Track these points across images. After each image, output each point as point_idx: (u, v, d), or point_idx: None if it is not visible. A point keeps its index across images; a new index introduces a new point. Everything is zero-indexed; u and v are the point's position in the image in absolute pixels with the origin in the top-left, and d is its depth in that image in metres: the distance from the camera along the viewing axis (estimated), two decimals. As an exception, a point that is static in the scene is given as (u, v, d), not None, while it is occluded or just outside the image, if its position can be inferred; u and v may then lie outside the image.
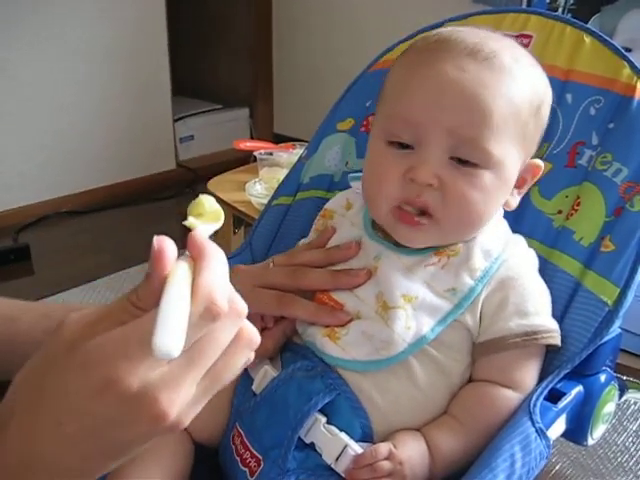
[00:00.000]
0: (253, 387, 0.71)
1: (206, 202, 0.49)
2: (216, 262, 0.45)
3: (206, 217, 0.48)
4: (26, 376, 0.46)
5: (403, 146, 0.67)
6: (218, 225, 0.48)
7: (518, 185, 0.72)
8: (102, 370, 0.42)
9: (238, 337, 0.45)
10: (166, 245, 0.43)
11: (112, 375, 0.41)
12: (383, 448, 0.63)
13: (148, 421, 0.42)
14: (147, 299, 0.43)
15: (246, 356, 0.47)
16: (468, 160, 0.65)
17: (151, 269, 0.43)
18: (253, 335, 0.47)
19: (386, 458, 0.63)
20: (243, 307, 0.46)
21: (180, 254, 0.44)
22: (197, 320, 0.42)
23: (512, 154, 0.67)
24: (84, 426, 0.43)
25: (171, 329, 0.40)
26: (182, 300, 0.41)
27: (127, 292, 0.45)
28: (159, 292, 0.42)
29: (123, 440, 0.44)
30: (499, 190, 0.68)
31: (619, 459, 1.37)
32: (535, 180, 0.74)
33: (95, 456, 0.45)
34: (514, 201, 0.73)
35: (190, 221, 0.47)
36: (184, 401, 0.43)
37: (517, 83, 0.66)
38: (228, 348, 0.45)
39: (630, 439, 1.42)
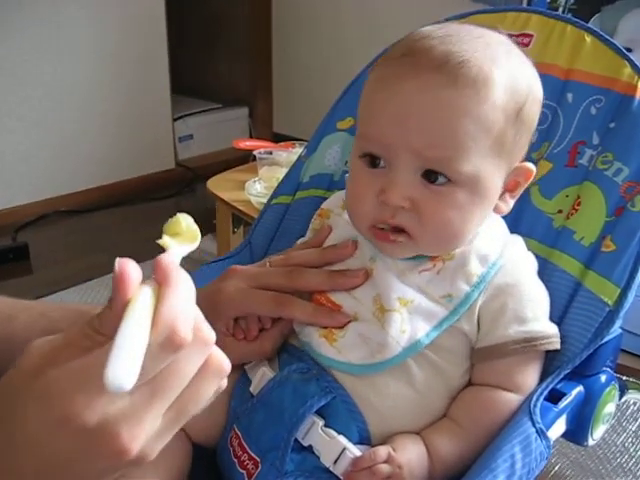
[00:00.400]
0: (250, 388, 0.70)
1: (183, 221, 0.47)
2: (182, 288, 0.42)
3: (182, 237, 0.46)
4: None
5: (375, 164, 0.66)
6: (193, 247, 0.46)
7: (510, 189, 0.70)
8: (59, 404, 0.40)
9: (206, 366, 0.43)
10: (129, 268, 0.41)
11: (69, 410, 0.40)
12: (382, 451, 0.63)
13: (109, 456, 0.41)
14: (109, 325, 0.41)
15: (216, 385, 0.45)
16: (440, 175, 0.63)
17: (113, 293, 0.41)
18: (222, 363, 0.45)
19: (385, 461, 0.62)
20: (210, 335, 0.43)
21: (148, 277, 0.43)
22: (158, 350, 0.40)
23: (487, 167, 0.64)
24: (41, 462, 0.41)
25: (124, 361, 0.38)
26: (140, 329, 0.39)
27: (89, 318, 0.43)
28: (120, 318, 0.40)
29: (85, 475, 0.42)
30: (476, 205, 0.65)
31: (619, 460, 1.37)
32: (529, 182, 0.71)
33: None
34: (505, 206, 0.70)
35: (164, 240, 0.45)
36: (148, 435, 0.41)
37: (487, 95, 0.63)
38: (195, 378, 0.43)
39: (630, 439, 1.42)
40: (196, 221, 0.50)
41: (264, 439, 0.67)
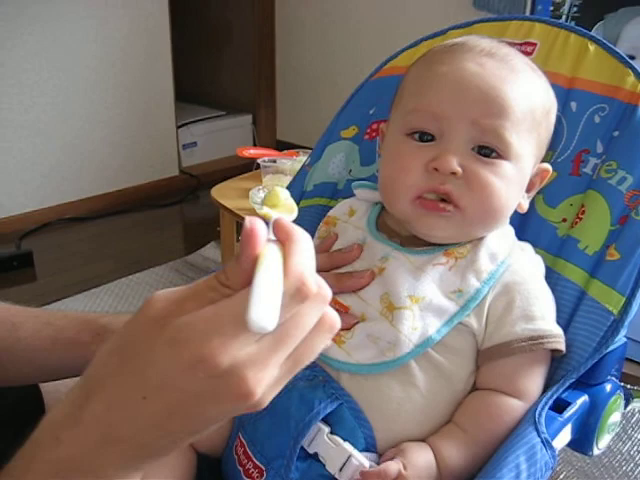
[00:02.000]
0: (256, 396, 0.70)
1: (281, 194, 0.49)
2: (305, 245, 0.45)
3: (280, 208, 0.48)
4: (110, 350, 0.47)
5: (424, 139, 0.69)
6: (293, 216, 0.48)
7: (527, 189, 0.74)
8: (194, 346, 0.42)
9: (321, 321, 0.46)
10: (258, 226, 0.43)
11: (204, 351, 0.42)
12: (392, 469, 0.62)
13: (233, 399, 0.43)
14: (236, 279, 0.44)
15: (326, 340, 0.47)
16: (490, 149, 0.67)
17: (242, 249, 0.43)
18: (335, 321, 0.47)
19: (395, 479, 0.62)
20: (328, 292, 0.46)
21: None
22: (288, 300, 0.43)
23: (528, 150, 0.69)
24: (168, 402, 0.43)
25: (266, 304, 0.41)
26: (275, 278, 0.42)
27: (215, 272, 0.46)
28: (249, 272, 0.42)
29: (204, 417, 0.45)
30: (518, 183, 0.70)
31: (624, 468, 1.36)
32: (543, 184, 0.75)
33: (174, 433, 0.45)
34: (525, 204, 0.75)
35: (265, 210, 0.47)
36: (268, 381, 0.44)
37: (532, 83, 0.70)
38: (311, 331, 0.45)
39: (635, 447, 1.41)
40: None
41: (269, 447, 0.67)
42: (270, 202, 0.48)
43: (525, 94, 0.69)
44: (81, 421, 0.45)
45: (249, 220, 0.43)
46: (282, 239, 0.45)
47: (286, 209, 0.48)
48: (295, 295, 0.43)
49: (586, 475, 1.33)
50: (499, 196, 0.68)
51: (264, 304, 0.41)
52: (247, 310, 0.40)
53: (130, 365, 0.44)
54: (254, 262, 0.42)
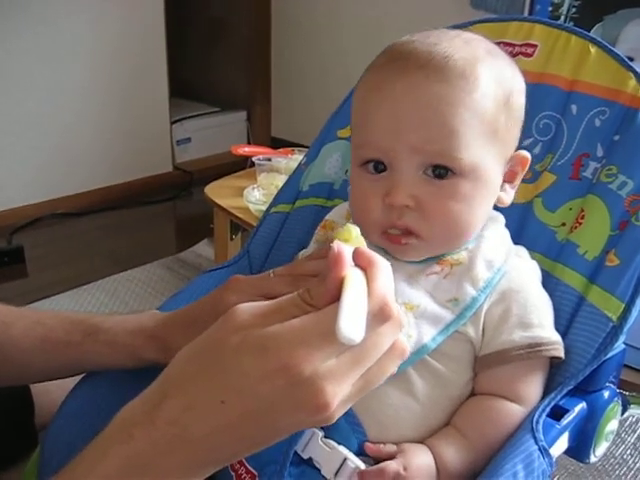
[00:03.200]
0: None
1: (353, 231, 0.53)
2: (385, 271, 0.48)
3: (352, 242, 0.51)
4: (190, 355, 0.49)
5: (378, 169, 0.67)
6: None
7: (509, 179, 0.72)
8: (279, 354, 0.44)
9: (394, 346, 0.48)
10: (344, 250, 0.47)
11: (289, 360, 0.44)
12: (392, 468, 0.62)
13: (309, 409, 0.45)
14: (321, 298, 0.47)
15: (396, 365, 0.49)
16: (443, 168, 0.64)
17: (329, 271, 0.47)
18: (405, 348, 0.49)
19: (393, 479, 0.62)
20: (402, 318, 0.49)
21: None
22: (370, 319, 0.45)
23: (485, 155, 0.66)
24: (246, 407, 0.45)
25: (355, 318, 0.44)
26: (362, 297, 0.46)
27: (298, 291, 0.49)
28: (333, 292, 0.46)
29: (277, 426, 0.47)
30: (480, 196, 0.67)
31: (617, 472, 1.36)
32: (526, 170, 0.73)
33: (244, 440, 0.47)
34: (507, 197, 0.72)
35: (338, 244, 0.50)
36: (342, 397, 0.46)
37: (475, 84, 0.65)
38: (384, 354, 0.48)
39: (628, 451, 1.41)
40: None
41: (262, 452, 0.65)
42: (342, 237, 0.52)
43: (466, 102, 0.64)
44: (155, 420, 0.47)
45: (336, 244, 0.47)
46: (364, 265, 0.48)
47: (356, 244, 0.51)
48: (378, 315, 0.46)
49: (579, 479, 1.32)
50: (460, 219, 0.66)
51: (353, 317, 0.44)
52: (337, 322, 0.43)
53: (212, 370, 0.47)
54: (340, 283, 0.46)
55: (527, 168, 0.72)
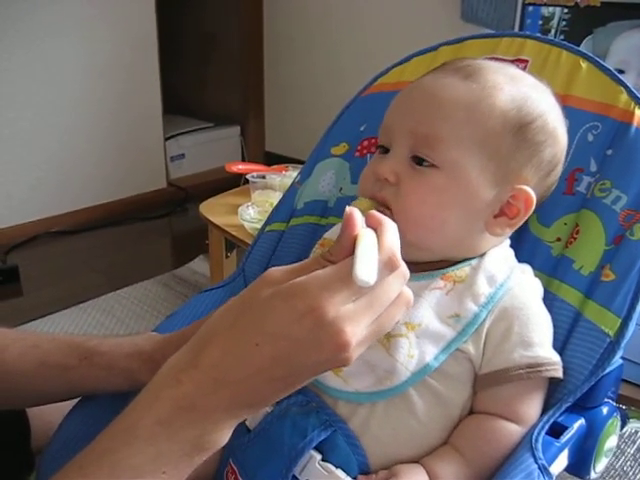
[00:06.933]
0: (247, 422, 0.69)
1: (365, 202, 0.66)
2: (393, 230, 0.55)
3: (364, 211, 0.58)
4: (226, 309, 0.56)
5: (384, 152, 0.71)
6: None
7: (510, 214, 0.70)
8: (306, 298, 0.51)
9: (401, 295, 0.55)
10: (356, 212, 0.54)
11: (315, 302, 0.50)
12: (382, 475, 0.63)
13: (331, 348, 0.51)
14: (339, 254, 0.53)
15: (402, 312, 0.56)
16: (424, 158, 0.67)
17: (343, 230, 0.54)
18: (410, 297, 0.56)
19: None
20: (407, 270, 0.55)
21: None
22: (381, 267, 0.52)
23: (472, 162, 0.67)
24: (277, 349, 0.51)
25: (368, 264, 0.51)
26: (373, 248, 0.53)
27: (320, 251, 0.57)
28: (348, 248, 0.53)
29: (304, 368, 0.52)
30: (454, 196, 0.67)
31: (617, 484, 1.35)
32: (529, 213, 0.70)
33: (277, 380, 0.53)
34: (500, 230, 0.70)
35: (350, 208, 0.56)
36: (359, 337, 0.52)
37: (490, 94, 0.68)
38: (393, 302, 0.54)
39: (628, 463, 1.40)
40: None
41: (261, 474, 0.66)
42: (357, 206, 0.59)
43: (475, 105, 0.67)
44: (198, 364, 0.53)
45: (348, 208, 0.54)
46: (374, 226, 0.55)
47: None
48: (387, 264, 0.53)
49: (579, 492, 1.32)
50: (426, 206, 0.67)
51: (366, 263, 0.51)
52: (353, 267, 0.50)
53: (247, 316, 0.53)
54: (353, 240, 0.53)
55: (531, 211, 0.70)
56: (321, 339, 0.50)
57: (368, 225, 0.55)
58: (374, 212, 0.56)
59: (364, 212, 0.56)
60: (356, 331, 0.51)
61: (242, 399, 0.53)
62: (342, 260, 0.53)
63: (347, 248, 0.53)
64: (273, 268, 0.56)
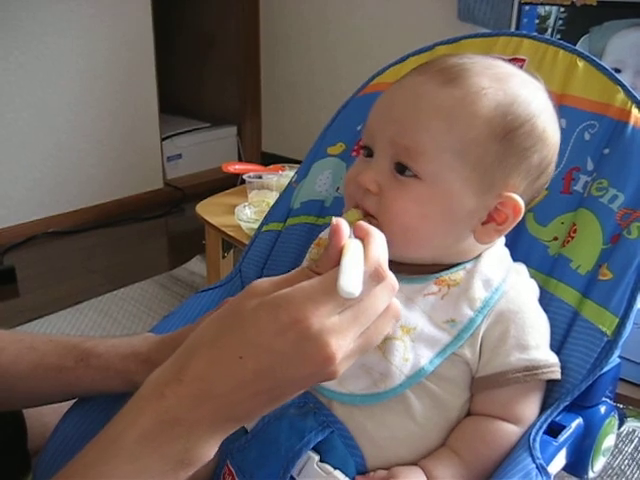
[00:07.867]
0: (244, 424, 0.69)
1: (356, 213, 0.65)
2: (380, 242, 0.54)
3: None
4: (212, 320, 0.55)
5: (368, 155, 0.70)
6: None
7: (498, 221, 0.68)
8: (291, 310, 0.49)
9: (389, 308, 0.54)
10: (343, 223, 0.53)
11: (299, 314, 0.49)
12: (380, 474, 0.62)
13: (316, 362, 0.50)
14: (325, 265, 0.53)
15: (391, 326, 0.55)
16: (405, 168, 0.65)
17: (330, 241, 0.53)
18: (399, 310, 0.55)
19: None
20: (395, 282, 0.54)
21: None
22: (367, 279, 0.51)
23: (455, 171, 0.65)
24: (261, 362, 0.50)
25: (353, 275, 0.50)
26: (358, 259, 0.52)
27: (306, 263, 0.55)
28: (335, 259, 0.52)
29: (290, 379, 0.51)
30: (435, 206, 0.65)
31: (615, 483, 1.35)
32: (518, 219, 0.68)
33: (262, 394, 0.52)
34: (487, 237, 0.69)
35: (337, 218, 0.56)
36: (345, 351, 0.51)
37: (473, 101, 0.64)
38: (381, 315, 0.53)
39: (626, 462, 1.40)
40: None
41: (258, 476, 0.65)
42: (347, 218, 0.60)
43: (457, 113, 0.64)
44: (183, 378, 0.52)
45: (335, 219, 0.54)
46: (362, 236, 0.54)
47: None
48: (373, 275, 0.52)
49: (577, 491, 1.32)
50: (408, 217, 0.65)
51: (351, 275, 0.50)
52: (338, 279, 0.49)
53: (232, 328, 0.52)
54: (340, 251, 0.52)
55: (520, 217, 0.68)
56: (306, 352, 0.49)
57: (356, 236, 0.55)
58: (362, 222, 0.56)
59: (352, 223, 0.56)
60: (342, 344, 0.50)
61: (226, 413, 0.52)
62: (328, 271, 0.52)
63: (333, 259, 0.52)
64: (260, 279, 0.55)
